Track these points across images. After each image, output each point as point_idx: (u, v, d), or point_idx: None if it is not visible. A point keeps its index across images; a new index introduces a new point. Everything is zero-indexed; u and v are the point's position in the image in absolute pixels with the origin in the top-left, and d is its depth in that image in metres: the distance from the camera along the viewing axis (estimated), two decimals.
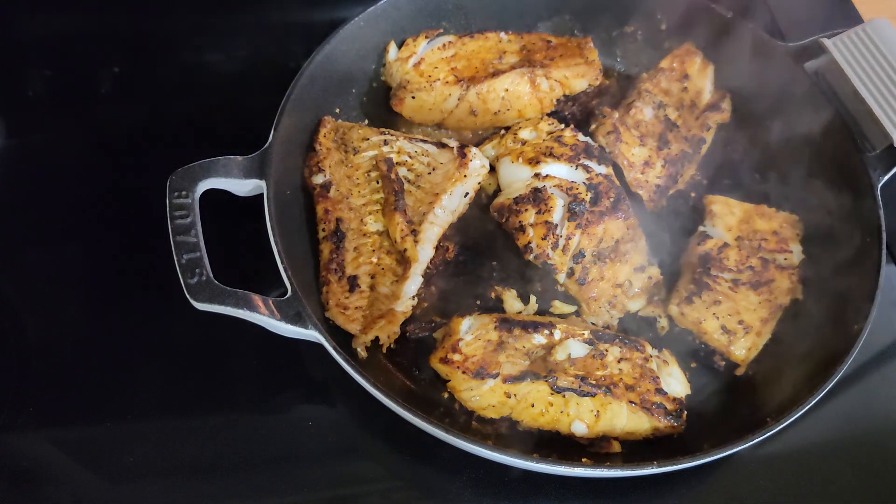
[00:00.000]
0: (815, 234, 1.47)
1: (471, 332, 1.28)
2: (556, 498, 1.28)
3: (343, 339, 1.29)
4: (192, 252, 1.19)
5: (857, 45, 1.51)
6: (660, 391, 1.26)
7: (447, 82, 1.55)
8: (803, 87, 1.55)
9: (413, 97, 1.55)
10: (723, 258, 1.41)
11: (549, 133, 1.53)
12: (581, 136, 1.53)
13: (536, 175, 1.46)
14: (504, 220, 1.45)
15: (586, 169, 1.47)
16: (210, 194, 1.29)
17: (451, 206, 1.43)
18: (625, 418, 1.24)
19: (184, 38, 1.82)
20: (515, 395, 1.24)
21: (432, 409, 1.28)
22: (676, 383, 1.29)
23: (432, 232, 1.39)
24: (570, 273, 1.40)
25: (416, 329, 1.37)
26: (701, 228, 1.48)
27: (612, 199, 1.45)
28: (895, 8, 1.96)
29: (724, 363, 1.38)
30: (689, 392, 1.30)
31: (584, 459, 1.18)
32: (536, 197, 1.42)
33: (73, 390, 1.33)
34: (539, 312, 1.42)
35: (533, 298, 1.42)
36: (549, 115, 1.60)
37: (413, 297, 1.34)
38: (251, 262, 1.35)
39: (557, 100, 1.61)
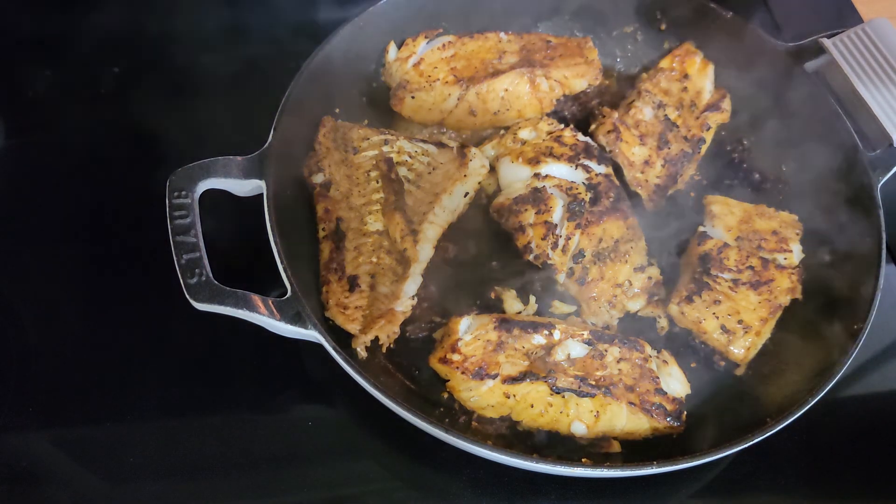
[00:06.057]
0: (815, 234, 1.46)
1: (470, 332, 1.28)
2: (556, 498, 1.28)
3: (343, 339, 1.29)
4: (191, 252, 1.19)
5: (857, 45, 1.51)
6: (659, 391, 1.26)
7: (447, 82, 1.55)
8: (803, 87, 1.55)
9: (413, 97, 1.55)
10: (723, 258, 1.41)
11: (549, 133, 1.53)
12: (581, 136, 1.53)
13: (536, 175, 1.46)
14: (504, 220, 1.45)
15: (586, 169, 1.47)
16: (210, 194, 1.29)
17: (451, 205, 1.43)
18: (624, 419, 1.24)
19: (184, 38, 1.82)
20: (515, 396, 1.24)
21: (432, 409, 1.28)
22: (676, 383, 1.29)
23: (432, 232, 1.39)
24: (570, 273, 1.40)
25: (415, 329, 1.37)
26: (701, 228, 1.48)
27: (611, 199, 1.45)
28: (895, 8, 1.96)
29: (724, 363, 1.37)
30: (689, 392, 1.30)
31: (584, 459, 1.18)
32: (536, 197, 1.42)
33: (73, 390, 1.33)
34: (539, 312, 1.41)
35: (533, 298, 1.42)
36: (548, 115, 1.60)
37: (413, 297, 1.34)
38: (251, 262, 1.35)
39: (557, 100, 1.61)
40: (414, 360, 1.34)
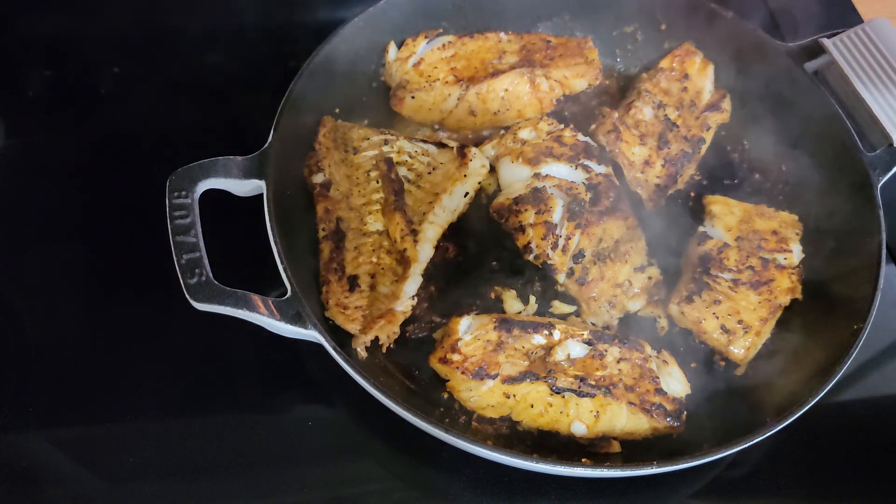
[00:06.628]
0: (815, 233, 1.47)
1: (470, 332, 1.28)
2: (556, 498, 1.28)
3: (343, 339, 1.29)
4: (191, 252, 1.19)
5: (857, 45, 1.51)
6: (659, 391, 1.26)
7: (447, 82, 1.55)
8: (803, 87, 1.55)
9: (413, 97, 1.55)
10: (723, 258, 1.41)
11: (549, 133, 1.53)
12: (581, 136, 1.53)
13: (536, 175, 1.46)
14: (504, 220, 1.45)
15: (586, 169, 1.48)
16: (210, 194, 1.29)
17: (451, 205, 1.43)
18: (624, 419, 1.24)
19: (184, 38, 1.82)
20: (515, 396, 1.24)
21: (432, 409, 1.28)
22: (676, 383, 1.29)
23: (432, 232, 1.39)
24: (570, 273, 1.40)
25: (415, 329, 1.37)
26: (701, 228, 1.48)
27: (611, 199, 1.45)
28: (895, 8, 1.96)
29: (724, 363, 1.37)
30: (689, 392, 1.30)
31: (584, 459, 1.18)
32: (536, 197, 1.42)
33: (73, 390, 1.33)
34: (539, 312, 1.42)
35: (533, 298, 1.42)
36: (549, 115, 1.60)
37: (413, 297, 1.34)
38: (251, 262, 1.35)
39: (557, 100, 1.61)
40: (414, 360, 1.34)
